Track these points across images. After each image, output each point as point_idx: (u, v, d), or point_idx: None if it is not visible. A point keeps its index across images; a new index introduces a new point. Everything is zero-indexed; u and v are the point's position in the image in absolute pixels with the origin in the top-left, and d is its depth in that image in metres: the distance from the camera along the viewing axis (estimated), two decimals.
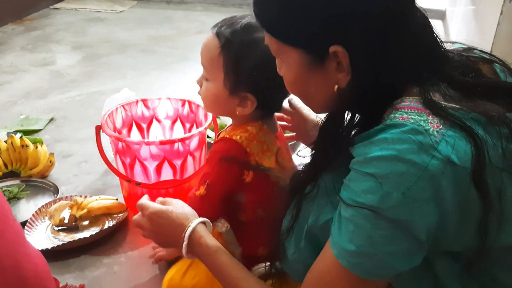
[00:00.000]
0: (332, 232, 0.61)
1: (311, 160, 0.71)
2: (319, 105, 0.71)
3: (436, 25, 0.65)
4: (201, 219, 0.83)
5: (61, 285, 0.98)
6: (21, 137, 1.43)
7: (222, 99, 0.88)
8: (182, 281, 0.91)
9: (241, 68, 0.84)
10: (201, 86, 0.91)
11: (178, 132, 1.33)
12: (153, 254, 1.07)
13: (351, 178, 0.59)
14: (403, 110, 0.58)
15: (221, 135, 0.91)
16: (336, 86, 0.63)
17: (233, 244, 0.92)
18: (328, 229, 0.64)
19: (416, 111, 0.57)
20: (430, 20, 0.64)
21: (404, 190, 0.53)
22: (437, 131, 0.55)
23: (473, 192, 0.54)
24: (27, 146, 1.41)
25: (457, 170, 0.54)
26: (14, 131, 1.58)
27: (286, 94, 0.92)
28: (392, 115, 0.58)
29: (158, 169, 1.17)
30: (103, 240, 1.15)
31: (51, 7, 3.32)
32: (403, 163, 0.54)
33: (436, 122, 0.56)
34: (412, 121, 0.56)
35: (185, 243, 0.80)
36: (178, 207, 0.85)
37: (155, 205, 0.87)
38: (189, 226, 0.81)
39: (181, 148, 1.15)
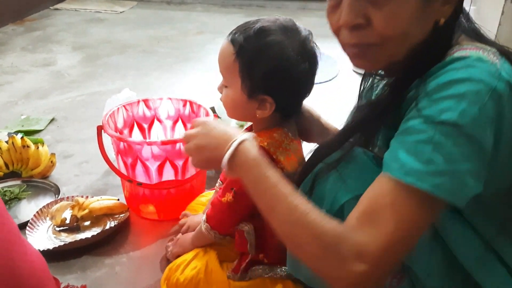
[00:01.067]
0: (397, 162, 0.60)
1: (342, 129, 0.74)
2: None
3: None
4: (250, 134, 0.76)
5: (62, 285, 0.98)
6: (22, 138, 1.42)
7: (242, 103, 0.88)
8: (183, 271, 0.91)
9: (256, 72, 0.84)
10: (221, 93, 0.92)
11: (180, 132, 1.33)
12: (166, 253, 1.07)
13: (422, 107, 0.61)
14: (461, 50, 0.64)
15: None
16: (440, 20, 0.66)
17: (252, 246, 0.91)
18: (345, 214, 0.63)
19: (472, 50, 0.63)
20: None
21: (480, 106, 0.58)
22: (496, 62, 0.62)
23: None
24: (28, 146, 1.40)
25: None
26: (15, 132, 1.58)
27: (303, 97, 0.90)
28: (452, 56, 0.63)
29: (160, 169, 1.17)
30: (104, 240, 1.15)
31: (51, 7, 3.32)
32: (476, 82, 0.59)
33: (492, 55, 0.63)
34: (474, 54, 0.62)
35: (230, 150, 0.71)
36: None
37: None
38: (238, 137, 0.73)
39: (183, 148, 1.15)
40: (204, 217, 0.94)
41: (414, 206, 0.58)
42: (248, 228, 0.91)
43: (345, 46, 0.70)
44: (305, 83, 0.87)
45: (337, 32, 0.69)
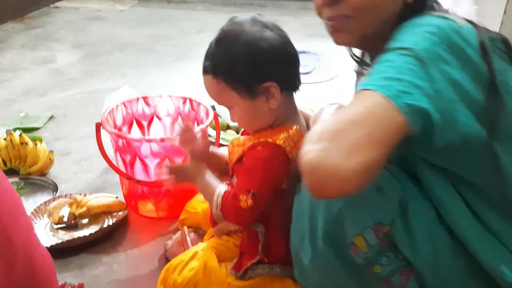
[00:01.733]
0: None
1: None
2: None
3: None
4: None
5: (59, 284, 0.97)
6: (20, 135, 1.41)
7: (253, 109, 0.86)
8: (181, 272, 0.90)
9: (239, 72, 0.83)
10: (234, 119, 0.91)
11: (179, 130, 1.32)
12: (165, 251, 1.07)
13: (385, 47, 0.67)
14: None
15: (255, 139, 0.86)
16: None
17: (262, 247, 0.89)
18: (344, 219, 0.65)
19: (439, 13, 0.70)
20: None
21: (434, 43, 0.63)
22: (459, 21, 0.68)
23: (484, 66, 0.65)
24: (26, 143, 1.39)
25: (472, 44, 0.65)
26: (13, 129, 1.57)
27: (292, 63, 0.89)
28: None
29: (159, 167, 1.16)
30: (102, 238, 1.14)
31: (52, 5, 3.31)
32: (435, 26, 0.65)
33: (457, 18, 0.69)
34: (439, 14, 0.69)
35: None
36: None
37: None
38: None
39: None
40: (219, 200, 0.86)
41: (367, 107, 0.59)
42: (261, 228, 0.89)
43: (326, 25, 0.77)
44: (282, 49, 0.85)
45: (320, 13, 0.76)
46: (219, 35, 0.86)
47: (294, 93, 0.91)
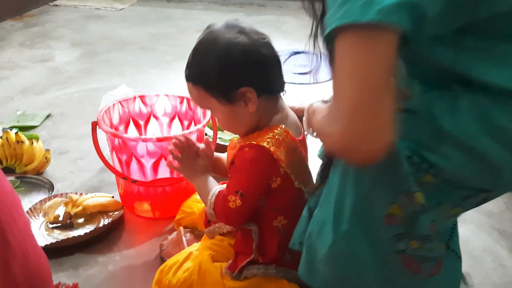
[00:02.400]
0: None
1: None
2: None
3: None
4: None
5: (54, 283, 0.96)
6: (16, 133, 1.41)
7: (232, 113, 0.87)
8: (175, 273, 0.89)
9: (213, 78, 0.84)
10: (219, 123, 0.93)
11: (176, 129, 1.31)
12: (160, 251, 1.06)
13: None
14: None
15: (244, 141, 0.87)
16: None
17: (256, 245, 0.90)
18: (375, 194, 0.63)
19: None
20: None
21: None
22: None
23: None
24: (22, 142, 1.38)
25: None
26: (10, 127, 1.56)
27: (269, 66, 0.87)
28: None
29: (155, 167, 1.15)
30: (98, 238, 1.13)
31: (51, 3, 3.30)
32: None
33: None
34: None
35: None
36: None
37: None
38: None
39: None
40: (212, 199, 0.88)
41: (350, 55, 0.54)
42: (254, 227, 0.89)
43: None
44: (255, 52, 0.84)
45: None
46: (196, 44, 0.87)
47: (279, 94, 0.91)
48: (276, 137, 0.85)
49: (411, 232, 0.68)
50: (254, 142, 0.84)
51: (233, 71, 0.83)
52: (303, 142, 0.93)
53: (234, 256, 0.92)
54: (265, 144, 0.83)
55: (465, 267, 1.09)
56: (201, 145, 0.97)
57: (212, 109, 0.90)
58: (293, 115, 0.93)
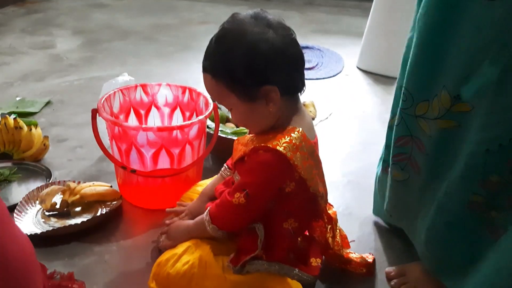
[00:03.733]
0: None
1: None
2: None
3: None
4: None
5: (49, 272, 0.94)
6: (15, 119, 1.38)
7: (253, 112, 0.84)
8: (174, 265, 0.87)
9: (239, 75, 0.80)
10: (234, 120, 0.90)
11: (178, 120, 1.29)
12: (157, 240, 1.05)
13: None
14: None
15: (258, 142, 0.84)
16: None
17: (261, 241, 0.88)
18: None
19: None
20: None
21: None
22: None
23: None
24: (21, 128, 1.36)
25: None
26: (8, 113, 1.54)
27: (294, 64, 0.84)
28: None
29: (155, 157, 1.13)
30: (95, 227, 1.11)
31: None
32: None
33: None
34: None
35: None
36: None
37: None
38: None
39: (179, 136, 1.11)
40: (207, 216, 0.90)
41: None
42: (259, 225, 0.88)
43: None
44: (284, 51, 0.81)
45: None
46: (219, 33, 0.82)
47: (299, 94, 0.88)
48: (293, 141, 0.81)
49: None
50: (270, 146, 0.81)
51: (261, 69, 0.80)
52: (317, 144, 0.90)
53: (237, 251, 0.90)
54: (281, 149, 0.80)
55: None
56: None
57: (229, 104, 0.86)
58: (308, 116, 0.91)
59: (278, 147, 0.80)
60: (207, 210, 0.91)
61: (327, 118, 1.59)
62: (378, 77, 2.21)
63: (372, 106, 1.90)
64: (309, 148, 0.84)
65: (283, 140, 0.81)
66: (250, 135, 0.91)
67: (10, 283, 0.63)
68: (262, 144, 0.82)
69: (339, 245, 0.99)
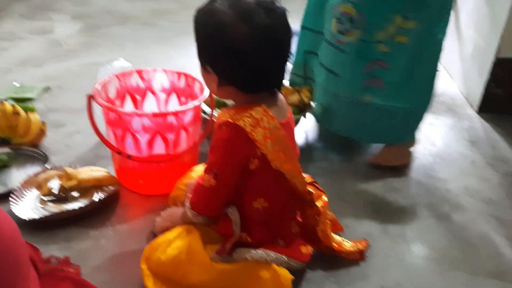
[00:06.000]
0: None
1: None
2: None
3: None
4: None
5: (45, 256, 0.96)
6: (13, 104, 1.39)
7: (204, 77, 0.88)
8: (165, 250, 0.89)
9: (197, 40, 0.84)
10: None
11: (174, 105, 1.29)
12: (153, 227, 1.06)
13: None
14: None
15: (223, 117, 0.84)
16: None
17: (237, 224, 0.89)
18: None
19: None
20: None
21: None
22: None
23: None
24: (18, 113, 1.37)
25: None
26: (6, 98, 1.55)
27: (258, 69, 0.81)
28: None
29: (150, 143, 1.13)
30: (91, 212, 1.12)
31: None
32: None
33: None
34: None
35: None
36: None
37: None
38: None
39: (174, 122, 1.11)
40: (188, 203, 0.91)
41: None
42: (231, 209, 0.89)
43: None
44: (250, 51, 0.77)
45: None
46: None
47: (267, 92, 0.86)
48: (254, 115, 0.81)
49: None
50: (231, 120, 0.81)
51: (208, 48, 0.82)
52: (287, 125, 0.89)
53: (223, 241, 0.90)
54: (241, 123, 0.80)
55: (462, 254, 1.08)
56: None
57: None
58: (281, 97, 0.90)
59: (238, 122, 0.80)
60: (186, 199, 0.92)
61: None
62: None
63: None
64: (271, 124, 0.82)
65: (243, 115, 0.81)
66: (224, 110, 0.89)
67: None
68: (224, 119, 0.83)
69: (328, 238, 0.99)
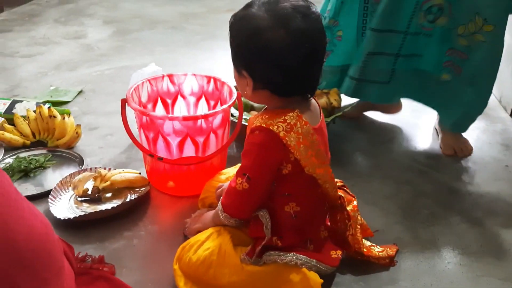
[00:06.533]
0: None
1: None
2: None
3: None
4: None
5: (81, 255, 0.99)
6: (49, 108, 1.44)
7: (237, 81, 0.88)
8: (196, 251, 0.91)
9: (233, 44, 0.84)
10: None
11: (203, 109, 1.32)
12: (184, 229, 1.08)
13: None
14: None
15: (257, 122, 0.85)
16: None
17: (268, 228, 0.90)
18: None
19: None
20: None
21: None
22: None
23: None
24: (54, 116, 1.42)
25: None
26: (43, 102, 1.60)
27: (293, 73, 0.81)
28: None
29: (181, 145, 1.16)
30: (124, 213, 1.15)
31: None
32: None
33: None
34: None
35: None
36: None
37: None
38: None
39: (204, 125, 1.13)
40: (220, 206, 0.93)
41: None
42: (263, 212, 0.89)
43: None
44: (286, 56, 0.78)
45: None
46: (251, 1, 0.85)
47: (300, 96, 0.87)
48: (288, 121, 0.82)
49: None
50: (264, 125, 0.82)
51: (243, 52, 0.83)
52: (320, 130, 0.89)
53: (253, 243, 0.92)
54: (275, 128, 0.81)
55: (494, 260, 1.06)
56: None
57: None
58: (313, 103, 0.91)
59: (271, 127, 0.81)
60: (219, 203, 0.93)
61: (351, 106, 1.57)
62: None
63: None
64: (304, 129, 0.83)
65: (277, 120, 0.82)
66: (254, 115, 0.90)
67: (24, 263, 0.65)
68: (257, 124, 0.84)
69: (359, 242, 0.99)
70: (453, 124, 1.49)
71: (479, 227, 1.17)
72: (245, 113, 1.42)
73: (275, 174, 0.86)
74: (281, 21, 0.78)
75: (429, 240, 1.12)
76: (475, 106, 1.45)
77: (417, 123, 1.69)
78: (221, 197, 0.94)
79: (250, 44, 0.80)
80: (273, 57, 0.79)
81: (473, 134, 1.63)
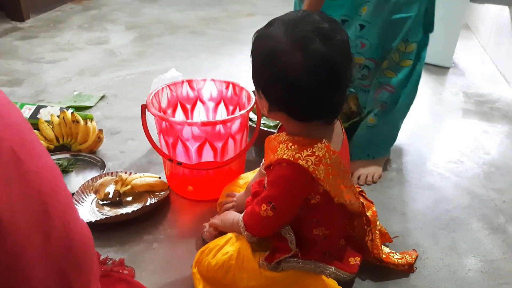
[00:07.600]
0: None
1: None
2: None
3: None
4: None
5: (102, 257, 1.01)
6: (72, 113, 1.48)
7: (257, 99, 0.88)
8: (215, 256, 0.91)
9: (252, 63, 0.82)
10: None
11: (222, 114, 1.33)
12: (202, 233, 1.08)
13: None
14: None
15: (282, 152, 0.81)
16: None
17: (293, 243, 0.89)
18: None
19: None
20: None
21: None
22: None
23: None
24: (77, 121, 1.46)
25: None
26: (67, 107, 1.64)
27: (311, 97, 0.78)
28: None
29: (199, 150, 1.17)
30: (144, 216, 1.17)
31: None
32: None
33: None
34: None
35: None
36: None
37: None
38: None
39: (222, 130, 1.15)
40: (242, 223, 0.91)
41: None
42: (285, 229, 0.89)
43: None
44: (302, 81, 0.75)
45: None
46: (272, 20, 0.83)
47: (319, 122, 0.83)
48: (316, 153, 0.79)
49: None
50: (292, 160, 0.80)
51: (261, 73, 0.81)
52: (344, 151, 0.88)
53: (272, 249, 0.92)
54: (303, 163, 0.79)
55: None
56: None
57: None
58: (336, 124, 0.88)
59: (300, 161, 0.79)
60: (241, 217, 0.93)
61: (369, 113, 1.55)
62: (429, 67, 2.14)
63: (421, 97, 1.85)
64: (333, 159, 0.81)
65: (305, 153, 0.79)
66: (280, 136, 0.87)
67: (74, 262, 0.67)
68: (285, 157, 0.80)
69: (378, 248, 0.98)
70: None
71: (502, 234, 1.15)
72: (263, 118, 1.42)
73: (302, 203, 0.85)
74: (298, 44, 0.74)
75: (449, 247, 1.10)
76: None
77: (437, 127, 1.66)
78: (243, 215, 0.93)
79: (266, 66, 0.78)
80: (288, 81, 0.76)
81: (497, 138, 1.60)
